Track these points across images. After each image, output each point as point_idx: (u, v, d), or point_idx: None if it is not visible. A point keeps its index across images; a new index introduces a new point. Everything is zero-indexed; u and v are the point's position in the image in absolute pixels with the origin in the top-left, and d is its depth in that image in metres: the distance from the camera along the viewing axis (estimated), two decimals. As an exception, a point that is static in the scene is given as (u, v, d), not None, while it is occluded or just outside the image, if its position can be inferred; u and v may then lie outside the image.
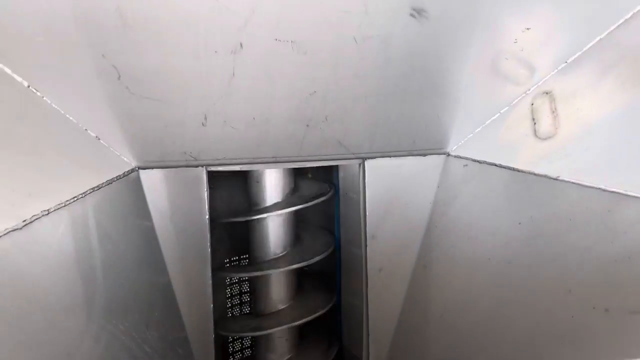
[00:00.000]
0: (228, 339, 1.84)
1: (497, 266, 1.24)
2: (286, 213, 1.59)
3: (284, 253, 1.63)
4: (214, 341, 1.43)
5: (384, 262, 1.52)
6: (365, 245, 1.51)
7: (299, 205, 1.54)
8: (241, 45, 0.98)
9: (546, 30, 1.13)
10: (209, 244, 1.36)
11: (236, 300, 1.86)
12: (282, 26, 0.97)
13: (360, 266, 1.56)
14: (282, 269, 1.57)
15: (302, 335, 1.78)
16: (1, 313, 0.73)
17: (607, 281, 1.00)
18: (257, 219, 1.57)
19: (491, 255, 1.26)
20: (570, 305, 1.06)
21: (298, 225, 1.72)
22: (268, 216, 1.57)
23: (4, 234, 0.75)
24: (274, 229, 1.61)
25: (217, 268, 1.64)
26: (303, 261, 1.57)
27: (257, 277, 1.67)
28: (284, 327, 1.59)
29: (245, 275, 1.75)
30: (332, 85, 1.11)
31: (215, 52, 0.99)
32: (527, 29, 1.12)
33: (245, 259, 1.83)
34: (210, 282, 1.38)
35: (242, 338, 1.87)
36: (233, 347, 1.88)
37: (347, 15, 0.98)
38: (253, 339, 1.85)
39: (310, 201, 1.56)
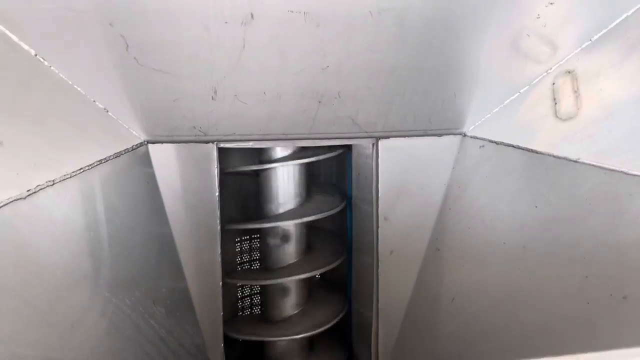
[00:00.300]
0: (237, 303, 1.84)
1: (512, 250, 1.21)
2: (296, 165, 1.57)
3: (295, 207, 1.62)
4: (222, 318, 1.42)
5: (396, 244, 1.49)
6: (377, 227, 1.49)
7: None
8: (252, 15, 0.95)
9: (570, 5, 1.08)
10: (219, 221, 1.34)
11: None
12: (295, -4, 0.94)
13: (371, 248, 1.53)
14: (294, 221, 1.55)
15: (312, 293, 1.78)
16: (4, 285, 0.72)
17: (626, 268, 0.97)
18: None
19: (506, 239, 1.22)
20: (587, 292, 1.03)
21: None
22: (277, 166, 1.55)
23: (7, 203, 0.74)
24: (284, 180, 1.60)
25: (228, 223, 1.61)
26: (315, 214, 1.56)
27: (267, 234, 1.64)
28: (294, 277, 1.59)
29: (255, 227, 1.68)
30: (346, 59, 1.08)
31: (225, 22, 0.96)
32: (551, 3, 1.07)
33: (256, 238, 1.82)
34: (219, 260, 1.36)
35: (252, 301, 1.87)
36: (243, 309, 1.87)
37: (362, -15, 0.94)
38: (263, 308, 1.84)
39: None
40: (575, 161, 1.08)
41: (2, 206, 0.73)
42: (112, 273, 1.00)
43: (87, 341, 0.89)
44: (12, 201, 0.75)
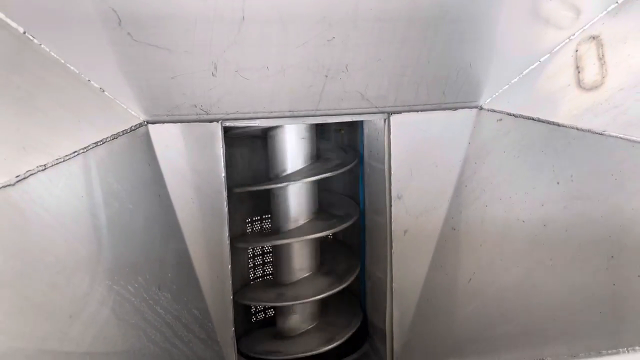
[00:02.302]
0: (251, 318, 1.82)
1: (532, 228, 1.15)
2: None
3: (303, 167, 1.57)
4: (232, 304, 1.39)
5: (410, 223, 1.44)
6: (390, 206, 1.43)
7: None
8: (251, -17, 0.89)
9: (596, -35, 1.01)
10: (226, 202, 1.30)
11: (259, 261, 1.83)
12: (296, -39, 0.87)
13: (384, 229, 1.48)
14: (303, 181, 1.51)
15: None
16: (-6, 273, 0.69)
17: (656, 247, 0.91)
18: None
19: (526, 217, 1.16)
20: (612, 272, 0.97)
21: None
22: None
23: (-6, 190, 0.70)
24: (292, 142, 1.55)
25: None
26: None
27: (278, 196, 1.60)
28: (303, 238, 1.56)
29: (266, 187, 1.62)
30: (353, 30, 1.01)
31: (223, -8, 0.90)
32: (575, -37, 0.99)
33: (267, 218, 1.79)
34: (228, 243, 1.32)
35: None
36: (256, 317, 1.85)
37: (368, -53, 0.87)
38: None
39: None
40: (600, 134, 1.01)
41: (-12, 193, 0.69)
42: (113, 259, 0.96)
43: (86, 331, 0.86)
44: (1, 187, 0.71)
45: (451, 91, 1.24)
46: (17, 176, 0.75)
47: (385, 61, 1.11)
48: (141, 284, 1.04)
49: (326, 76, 1.11)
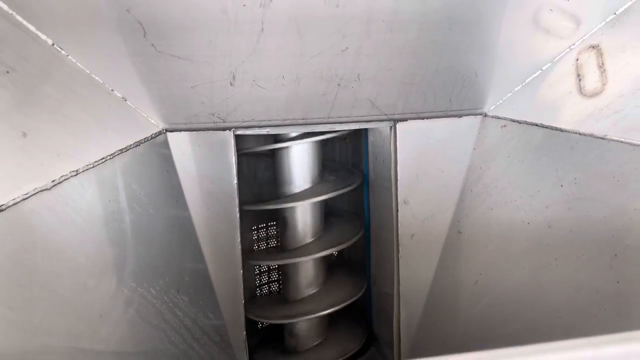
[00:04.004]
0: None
1: (537, 230, 1.19)
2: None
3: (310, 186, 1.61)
4: (244, 307, 1.42)
5: (416, 228, 1.48)
6: (397, 211, 1.47)
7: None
8: (271, -3, 0.93)
9: (594, -22, 1.06)
10: (237, 208, 1.33)
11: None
12: (314, -24, 0.92)
13: (391, 233, 1.52)
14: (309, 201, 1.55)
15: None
16: (35, 275, 0.72)
17: (658, 245, 0.95)
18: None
19: (530, 219, 1.21)
20: (616, 270, 1.01)
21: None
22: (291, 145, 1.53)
23: (33, 194, 0.73)
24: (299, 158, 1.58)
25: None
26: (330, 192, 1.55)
27: (283, 214, 1.63)
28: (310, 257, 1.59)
29: (273, 208, 1.66)
30: (366, 40, 1.06)
31: (244, 5, 0.94)
32: (575, -23, 1.04)
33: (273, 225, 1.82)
34: (239, 247, 1.36)
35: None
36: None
37: (382, -38, 0.92)
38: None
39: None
40: (602, 138, 1.06)
41: (28, 197, 0.72)
42: (137, 262, 0.99)
43: (114, 331, 0.89)
44: (37, 192, 0.74)
45: (457, 99, 1.28)
46: (53, 181, 0.79)
47: (396, 70, 1.15)
48: (162, 287, 1.08)
49: (339, 85, 1.15)
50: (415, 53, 1.12)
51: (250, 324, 1.68)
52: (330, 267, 1.80)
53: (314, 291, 1.70)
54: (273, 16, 0.97)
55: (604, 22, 1.11)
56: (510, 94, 1.28)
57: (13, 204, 0.70)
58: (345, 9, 0.98)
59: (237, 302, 1.40)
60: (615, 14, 1.10)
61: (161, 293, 1.07)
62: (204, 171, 1.28)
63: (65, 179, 0.81)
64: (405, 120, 1.36)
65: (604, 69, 1.10)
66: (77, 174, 0.84)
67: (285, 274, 1.74)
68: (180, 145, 1.21)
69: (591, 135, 1.08)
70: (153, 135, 1.12)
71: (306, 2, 0.96)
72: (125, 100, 1.06)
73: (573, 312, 1.09)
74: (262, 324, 1.88)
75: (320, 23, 1.00)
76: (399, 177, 1.44)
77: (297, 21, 0.99)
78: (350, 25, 1.02)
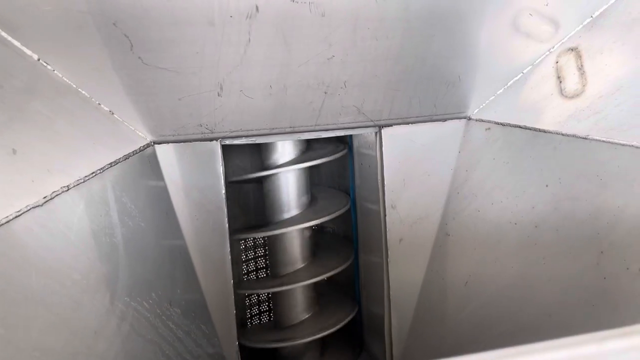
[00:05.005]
0: (247, 316, 1.83)
1: (524, 230, 1.21)
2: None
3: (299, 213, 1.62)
4: (235, 316, 1.42)
5: (405, 232, 1.49)
6: (385, 216, 1.48)
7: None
8: (257, 8, 0.94)
9: (571, -17, 1.09)
10: (226, 219, 1.33)
11: (252, 266, 1.84)
12: (300, -14, 0.93)
13: (379, 238, 1.53)
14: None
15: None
16: (29, 293, 0.71)
17: (641, 241, 0.98)
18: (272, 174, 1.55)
19: (517, 220, 1.23)
20: (603, 267, 1.03)
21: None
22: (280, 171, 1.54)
23: (26, 211, 0.73)
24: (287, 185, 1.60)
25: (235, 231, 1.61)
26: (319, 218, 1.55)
27: (274, 240, 1.64)
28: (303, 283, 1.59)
29: (260, 235, 1.70)
30: (351, 48, 1.07)
31: (231, 17, 0.94)
32: (553, -18, 1.07)
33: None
34: (229, 257, 1.35)
35: (260, 310, 1.86)
36: (251, 308, 1.86)
37: (366, -28, 0.93)
38: (271, 306, 1.84)
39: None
40: (584, 138, 1.09)
41: (21, 214, 0.72)
42: (130, 276, 0.99)
43: (110, 347, 0.88)
44: (30, 208, 0.74)
45: (441, 103, 1.30)
46: (45, 197, 0.78)
47: (381, 77, 1.17)
48: (155, 300, 1.07)
49: (325, 93, 1.16)
50: (400, 59, 1.14)
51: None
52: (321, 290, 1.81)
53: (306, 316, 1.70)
54: (260, 27, 0.98)
55: (581, 25, 1.14)
56: (493, 97, 1.31)
57: (6, 222, 0.69)
58: (331, 18, 1.00)
59: (229, 313, 1.39)
60: (592, 17, 1.13)
61: (154, 306, 1.06)
62: (193, 182, 1.27)
63: (56, 195, 0.80)
64: (390, 125, 1.37)
65: (583, 71, 1.13)
66: (68, 189, 0.83)
67: (275, 301, 1.74)
68: (168, 157, 1.20)
69: (573, 136, 1.11)
70: (141, 147, 1.11)
71: (292, 12, 0.97)
72: (113, 113, 1.05)
73: (562, 310, 1.11)
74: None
75: (307, 32, 1.02)
76: (385, 183, 1.45)
77: (284, 31, 1.00)
78: (336, 33, 1.03)
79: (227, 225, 1.33)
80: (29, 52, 0.88)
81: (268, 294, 1.82)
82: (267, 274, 1.81)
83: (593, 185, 1.07)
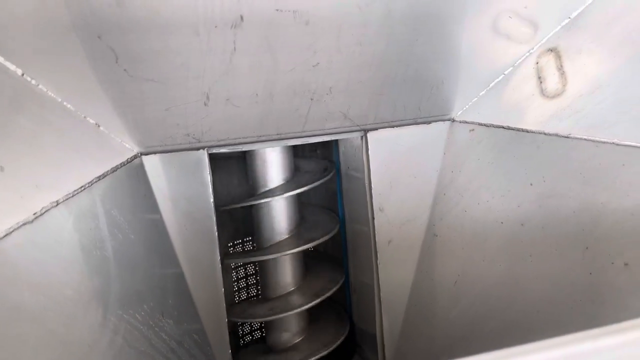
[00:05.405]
0: (238, 323, 1.83)
1: (511, 228, 1.23)
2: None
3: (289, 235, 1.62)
4: (227, 324, 1.42)
5: (393, 234, 1.50)
6: (373, 219, 1.50)
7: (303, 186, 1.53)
8: (242, 18, 0.95)
9: (549, -15, 1.11)
10: (215, 227, 1.33)
11: (242, 284, 1.85)
12: (283, -5, 0.94)
13: (368, 240, 1.54)
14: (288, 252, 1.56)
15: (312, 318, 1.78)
16: (22, 310, 0.71)
17: (625, 235, 1.00)
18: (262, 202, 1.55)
19: (503, 219, 1.25)
20: (588, 262, 1.05)
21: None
22: (272, 200, 1.55)
23: (17, 228, 0.72)
24: (278, 211, 1.60)
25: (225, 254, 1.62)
26: (309, 242, 1.56)
27: (264, 260, 1.65)
28: (294, 311, 1.59)
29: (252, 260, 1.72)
30: (336, 55, 1.08)
31: (215, 27, 0.95)
32: (531, -15, 1.09)
33: (249, 242, 1.82)
34: (219, 265, 1.35)
35: (251, 322, 1.87)
36: (243, 330, 1.87)
37: (349, -20, 0.94)
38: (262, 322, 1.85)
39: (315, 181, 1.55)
40: (566, 137, 1.11)
41: (12, 231, 0.71)
42: (122, 288, 0.98)
43: (105, 361, 0.88)
44: (21, 226, 0.73)
45: (426, 106, 1.32)
46: (35, 213, 0.77)
47: (366, 82, 1.18)
48: (147, 312, 1.06)
49: (312, 99, 1.17)
50: (384, 65, 1.15)
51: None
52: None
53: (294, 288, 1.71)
54: (245, 36, 0.98)
55: (560, 26, 1.17)
56: (476, 98, 1.33)
57: (-3, 240, 0.69)
58: (315, 26, 1.01)
59: (220, 320, 1.39)
60: (570, 17, 1.15)
61: (147, 318, 1.06)
62: (181, 191, 1.27)
63: (46, 211, 0.80)
64: (376, 129, 1.39)
65: (563, 71, 1.16)
66: (57, 205, 0.83)
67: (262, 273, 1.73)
68: (155, 167, 1.20)
69: (556, 135, 1.13)
70: (129, 159, 1.11)
71: (277, 20, 0.97)
72: (99, 126, 1.05)
73: (550, 306, 1.13)
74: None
75: (291, 40, 1.02)
76: (373, 186, 1.47)
77: (269, 39, 1.01)
78: (321, 40, 1.04)
79: (216, 234, 1.33)
80: (12, 67, 0.87)
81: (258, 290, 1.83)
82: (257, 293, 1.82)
83: (576, 183, 1.09)
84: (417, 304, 1.54)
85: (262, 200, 1.53)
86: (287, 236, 1.61)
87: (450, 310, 1.42)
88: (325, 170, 1.66)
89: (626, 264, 0.98)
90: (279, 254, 1.55)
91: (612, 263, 1.00)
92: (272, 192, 1.55)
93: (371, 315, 1.61)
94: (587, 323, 1.04)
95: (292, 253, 1.57)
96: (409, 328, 1.57)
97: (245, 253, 1.77)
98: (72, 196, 0.88)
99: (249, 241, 1.82)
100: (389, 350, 1.60)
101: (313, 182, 1.55)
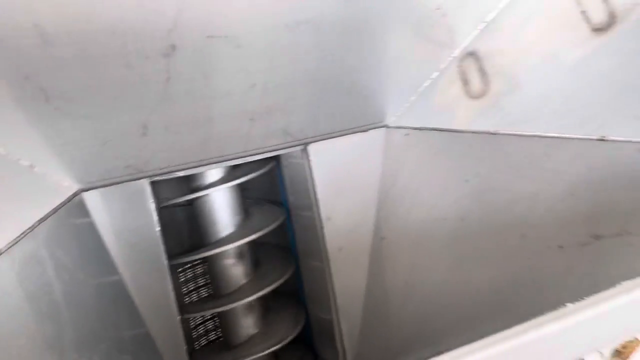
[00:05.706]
0: (192, 334, 1.80)
1: (452, 225, 1.29)
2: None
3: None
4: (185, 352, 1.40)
5: (343, 241, 1.54)
6: (322, 228, 1.52)
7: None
8: (173, 47, 0.95)
9: (463, -6, 1.18)
10: (164, 256, 1.32)
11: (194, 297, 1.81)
12: (213, 22, 0.95)
13: (319, 249, 1.57)
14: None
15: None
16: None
17: (556, 220, 1.07)
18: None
19: (446, 215, 1.31)
20: (526, 249, 1.12)
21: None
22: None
23: (-39, 284, 0.69)
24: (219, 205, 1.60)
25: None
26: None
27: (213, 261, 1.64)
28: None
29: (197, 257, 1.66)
30: (270, 75, 1.10)
31: (147, 58, 0.94)
32: (447, -6, 1.15)
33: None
34: (172, 293, 1.34)
35: (206, 330, 1.84)
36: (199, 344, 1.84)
37: (276, 1, 0.97)
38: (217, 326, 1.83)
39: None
40: (494, 133, 1.18)
41: (-44, 289, 0.68)
42: (75, 331, 0.96)
43: (65, 409, 0.86)
44: (-36, 281, 0.71)
45: (362, 116, 1.37)
46: (-22, 266, 0.75)
47: (302, 99, 1.21)
48: (104, 351, 1.04)
49: (251, 119, 1.18)
50: (318, 79, 1.18)
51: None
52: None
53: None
54: (178, 64, 0.98)
55: (477, 30, 1.24)
56: (408, 104, 1.39)
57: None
58: (247, 49, 1.02)
59: (178, 352, 1.38)
60: (486, 21, 1.22)
61: (104, 358, 1.03)
62: (125, 224, 1.25)
63: (-11, 262, 0.77)
64: (316, 141, 1.42)
65: (485, 72, 1.23)
66: (1, 254, 0.80)
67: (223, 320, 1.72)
68: (97, 202, 1.18)
69: (484, 132, 1.20)
70: (69, 197, 1.08)
71: (208, 47, 0.98)
72: (33, 167, 1.02)
73: (494, 294, 1.18)
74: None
75: (225, 64, 1.03)
76: (318, 196, 1.49)
77: (202, 66, 1.01)
78: (254, 62, 1.06)
79: (166, 263, 1.32)
80: (-64, 116, 0.84)
81: (214, 315, 1.81)
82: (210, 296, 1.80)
83: (507, 175, 1.16)
84: (372, 306, 1.58)
85: (214, 251, 1.53)
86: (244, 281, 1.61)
87: (404, 309, 1.47)
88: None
89: (560, 247, 1.06)
90: (236, 303, 1.55)
91: (548, 247, 1.07)
92: (223, 242, 1.55)
93: (329, 320, 1.63)
94: (531, 306, 1.10)
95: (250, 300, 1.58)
96: (367, 330, 1.61)
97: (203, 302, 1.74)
98: (15, 244, 0.85)
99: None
100: (350, 354, 1.63)
101: (267, 226, 1.57)
